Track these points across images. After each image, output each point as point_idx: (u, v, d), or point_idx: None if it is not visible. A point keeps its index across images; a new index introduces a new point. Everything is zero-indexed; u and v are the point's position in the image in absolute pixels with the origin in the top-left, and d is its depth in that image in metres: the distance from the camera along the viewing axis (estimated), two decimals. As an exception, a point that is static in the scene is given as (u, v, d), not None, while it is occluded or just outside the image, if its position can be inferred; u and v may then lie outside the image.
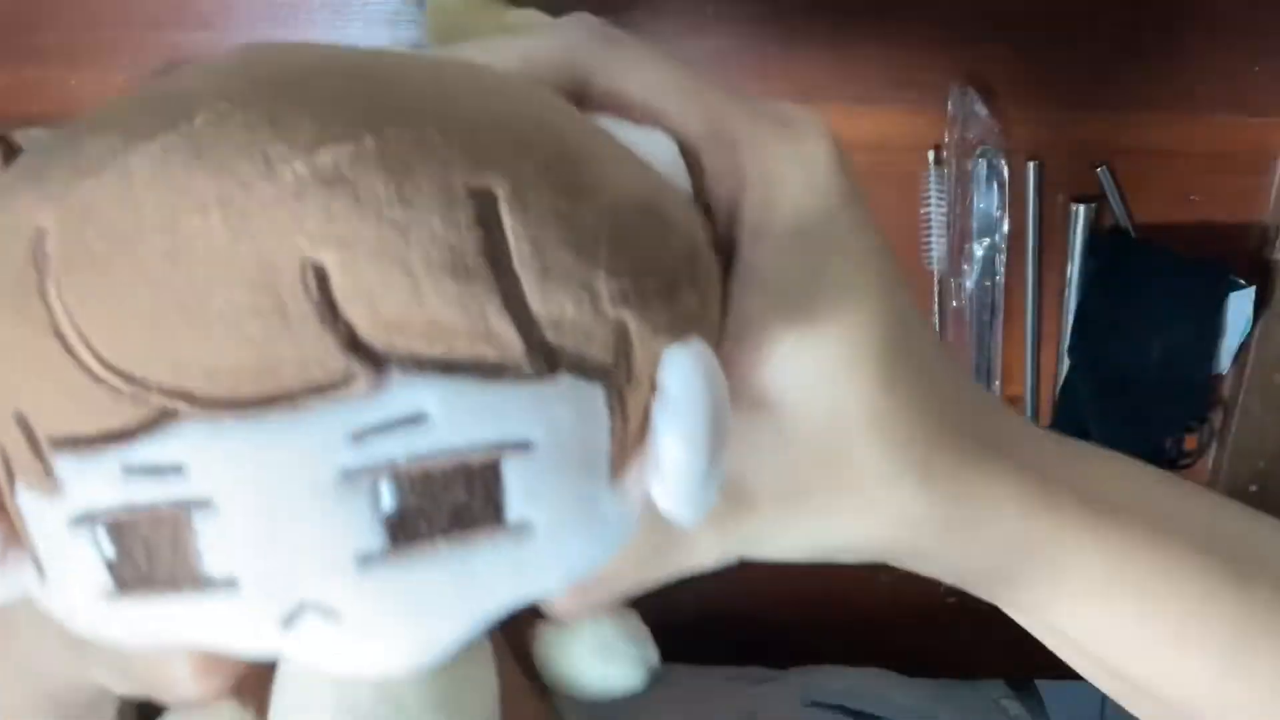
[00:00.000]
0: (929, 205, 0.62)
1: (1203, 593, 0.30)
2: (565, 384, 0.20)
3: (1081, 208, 0.63)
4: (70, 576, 0.21)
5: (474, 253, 0.19)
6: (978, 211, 0.63)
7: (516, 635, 0.27)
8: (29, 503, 0.21)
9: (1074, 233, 0.63)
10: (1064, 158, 0.62)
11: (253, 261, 0.19)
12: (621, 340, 0.21)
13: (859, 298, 0.25)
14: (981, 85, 0.60)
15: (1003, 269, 0.63)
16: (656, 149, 0.24)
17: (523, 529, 0.20)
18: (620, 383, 0.21)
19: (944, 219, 0.63)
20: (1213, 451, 0.67)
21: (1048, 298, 0.64)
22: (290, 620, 0.20)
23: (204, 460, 0.19)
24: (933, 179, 0.62)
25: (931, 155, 0.62)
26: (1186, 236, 0.63)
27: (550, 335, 0.20)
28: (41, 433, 0.20)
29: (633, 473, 0.22)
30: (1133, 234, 0.62)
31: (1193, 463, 0.67)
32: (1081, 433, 0.65)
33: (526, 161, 0.20)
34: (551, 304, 0.20)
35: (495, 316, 0.20)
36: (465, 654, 0.23)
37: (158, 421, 0.19)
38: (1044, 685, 0.75)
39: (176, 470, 0.19)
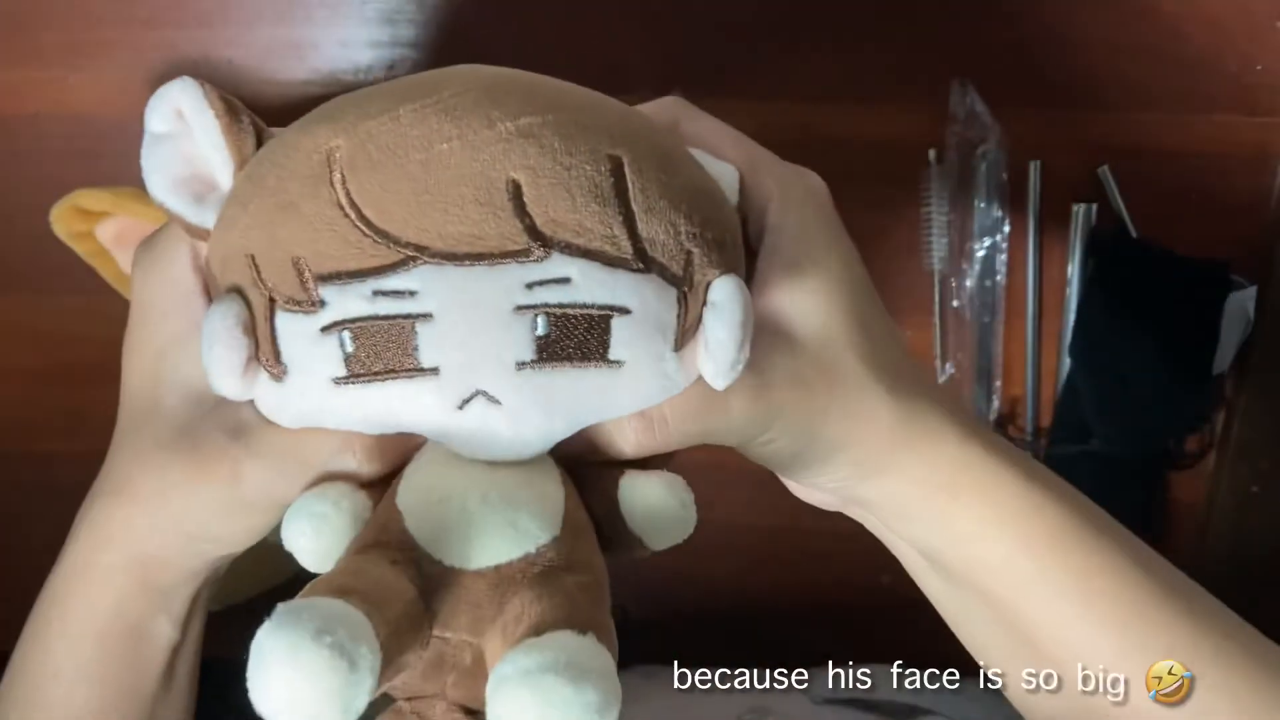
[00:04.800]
0: (929, 205, 0.62)
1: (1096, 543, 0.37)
2: (654, 280, 0.32)
3: (1082, 207, 0.63)
4: (314, 368, 0.32)
5: (608, 189, 0.32)
6: (978, 211, 0.63)
7: (601, 483, 0.35)
8: (286, 322, 0.32)
9: (1075, 232, 0.63)
10: (1065, 157, 0.62)
11: (477, 172, 0.31)
12: (689, 263, 0.33)
13: (839, 265, 0.37)
14: (982, 84, 0.60)
15: (1003, 269, 0.63)
16: (723, 172, 0.36)
17: (618, 364, 0.32)
18: (685, 289, 0.33)
19: (944, 219, 0.62)
20: (1214, 452, 0.67)
21: (1048, 297, 0.64)
22: (465, 403, 0.32)
23: (431, 289, 0.31)
24: (933, 178, 0.62)
25: (932, 154, 0.62)
26: (1188, 236, 0.62)
27: (648, 248, 0.32)
28: (311, 271, 0.32)
29: (687, 351, 0.33)
30: (1134, 234, 0.62)
31: (1194, 464, 0.67)
32: (1082, 433, 0.65)
33: (642, 145, 0.33)
34: (651, 229, 0.32)
35: (618, 228, 0.32)
36: (543, 470, 0.33)
37: (402, 263, 0.31)
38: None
39: (412, 294, 0.31)
